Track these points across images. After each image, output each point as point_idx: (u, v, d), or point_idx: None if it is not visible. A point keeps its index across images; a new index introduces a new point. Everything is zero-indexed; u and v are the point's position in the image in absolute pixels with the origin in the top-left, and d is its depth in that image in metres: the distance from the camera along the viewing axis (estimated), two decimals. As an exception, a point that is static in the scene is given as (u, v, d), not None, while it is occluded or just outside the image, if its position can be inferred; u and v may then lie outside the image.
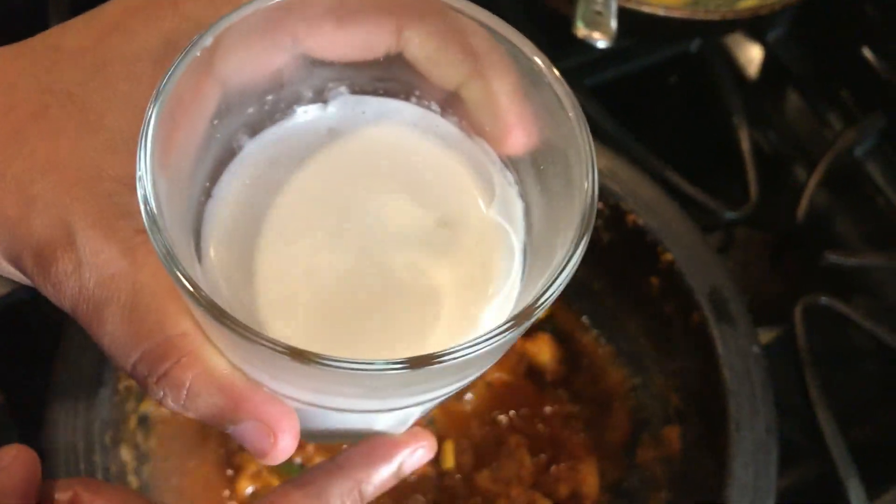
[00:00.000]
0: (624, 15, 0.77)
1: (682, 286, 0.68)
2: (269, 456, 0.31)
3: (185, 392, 0.30)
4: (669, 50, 0.99)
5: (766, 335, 0.86)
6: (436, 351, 0.27)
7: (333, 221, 0.33)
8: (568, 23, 0.75)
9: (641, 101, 1.04)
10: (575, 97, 0.31)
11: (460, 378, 0.32)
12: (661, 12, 0.81)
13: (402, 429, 0.39)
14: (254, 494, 0.66)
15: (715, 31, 0.96)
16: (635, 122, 0.93)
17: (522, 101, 0.32)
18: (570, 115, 0.31)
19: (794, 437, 0.80)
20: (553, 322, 0.77)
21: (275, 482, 0.66)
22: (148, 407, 0.67)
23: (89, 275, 0.31)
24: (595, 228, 0.74)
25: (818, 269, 0.89)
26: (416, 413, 0.37)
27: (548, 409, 0.72)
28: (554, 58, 0.96)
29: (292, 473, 0.67)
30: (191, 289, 0.27)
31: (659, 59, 0.99)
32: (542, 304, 0.30)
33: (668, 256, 0.69)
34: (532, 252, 0.34)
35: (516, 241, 0.34)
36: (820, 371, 0.79)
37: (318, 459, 0.67)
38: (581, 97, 0.92)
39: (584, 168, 0.30)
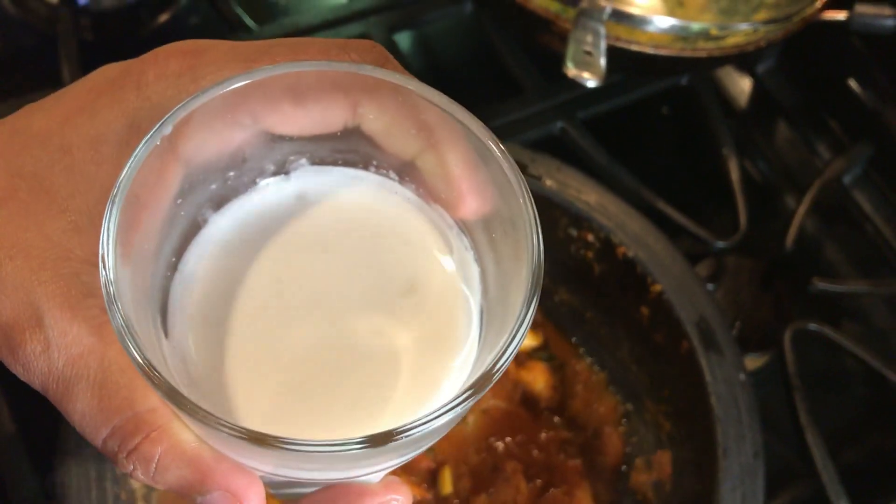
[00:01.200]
0: (613, 53, 0.80)
1: (671, 316, 0.71)
2: None
3: (154, 466, 0.31)
4: (660, 83, 1.02)
5: (756, 360, 0.88)
6: (394, 427, 0.28)
7: (298, 293, 0.34)
8: (560, 58, 0.78)
9: (633, 132, 1.07)
10: (518, 168, 0.32)
11: (422, 446, 0.33)
12: (649, 50, 0.84)
13: (374, 482, 0.38)
14: (258, 520, 0.68)
15: (703, 67, 1.00)
16: (627, 153, 0.96)
17: (473, 170, 0.34)
18: (514, 184, 0.32)
19: (784, 460, 0.82)
20: (547, 350, 0.79)
21: (278, 508, 0.68)
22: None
23: (58, 355, 0.32)
24: (587, 259, 0.77)
25: (807, 296, 0.91)
26: (387, 471, 0.38)
27: (543, 435, 0.74)
28: (547, 92, 0.99)
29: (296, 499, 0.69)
30: (147, 371, 0.28)
31: (650, 91, 1.02)
32: (500, 368, 0.30)
33: (657, 287, 0.72)
34: (488, 315, 0.35)
35: (474, 304, 0.35)
36: (809, 395, 0.81)
37: (320, 486, 0.69)
38: (574, 130, 0.95)
39: (530, 231, 0.31)
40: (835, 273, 0.99)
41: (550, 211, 0.76)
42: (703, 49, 0.86)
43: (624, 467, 0.74)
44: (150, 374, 0.28)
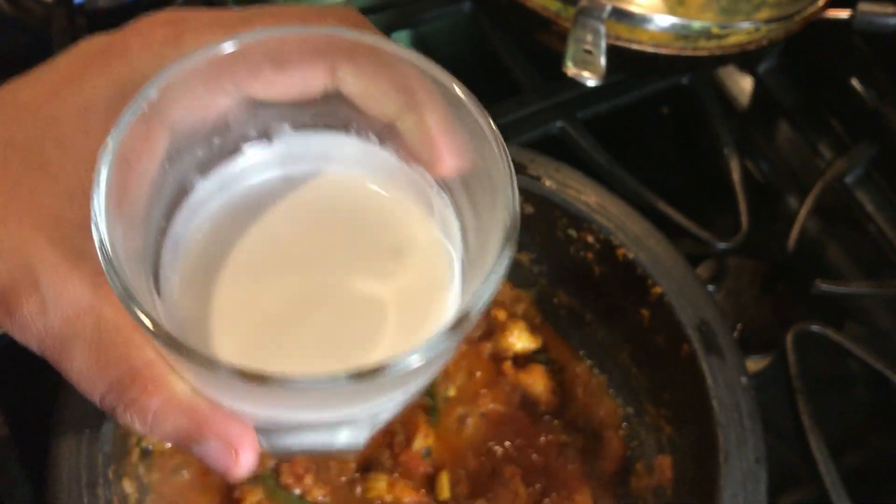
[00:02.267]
0: (614, 52, 0.79)
1: (671, 319, 0.70)
2: (231, 471, 0.34)
3: (150, 417, 0.33)
4: (661, 83, 1.01)
5: (757, 363, 0.87)
6: (380, 362, 0.29)
7: (284, 254, 0.36)
8: (560, 57, 0.77)
9: (633, 133, 1.06)
10: (493, 123, 0.34)
11: (407, 388, 0.34)
12: (650, 49, 0.83)
13: (361, 442, 0.40)
14: (253, 526, 0.67)
15: (704, 67, 0.99)
16: (627, 153, 0.95)
17: (451, 129, 0.35)
18: (491, 138, 0.33)
19: (786, 464, 0.81)
20: (546, 353, 0.78)
21: (274, 513, 0.68)
22: (149, 441, 0.69)
23: (54, 315, 0.33)
24: (586, 261, 0.76)
25: (809, 298, 0.90)
26: (373, 428, 0.40)
27: (542, 439, 0.74)
28: (547, 91, 0.98)
29: (291, 503, 0.68)
30: (148, 324, 0.29)
31: (650, 91, 1.01)
32: (478, 309, 0.31)
33: (658, 290, 0.71)
34: (470, 266, 0.36)
35: (456, 258, 0.37)
36: (812, 398, 0.80)
37: (315, 491, 0.69)
38: (573, 130, 0.94)
39: (506, 183, 0.33)
40: (837, 274, 0.98)
41: (550, 211, 0.75)
42: (704, 48, 0.85)
43: (624, 472, 0.73)
44: (149, 323, 0.29)
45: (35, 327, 0.34)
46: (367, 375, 0.29)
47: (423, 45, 1.14)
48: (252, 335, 0.34)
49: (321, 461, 0.70)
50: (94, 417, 0.61)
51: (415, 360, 0.30)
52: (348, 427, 0.38)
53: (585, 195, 0.74)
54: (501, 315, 0.78)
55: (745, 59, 1.00)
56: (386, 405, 0.35)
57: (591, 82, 0.75)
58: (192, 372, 0.32)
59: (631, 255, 0.72)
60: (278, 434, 0.37)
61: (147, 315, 0.29)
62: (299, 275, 0.35)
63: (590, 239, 0.74)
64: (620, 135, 1.02)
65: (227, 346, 0.34)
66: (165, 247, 0.35)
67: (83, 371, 0.33)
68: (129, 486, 0.64)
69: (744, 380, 0.68)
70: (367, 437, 0.41)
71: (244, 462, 0.34)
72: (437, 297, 0.36)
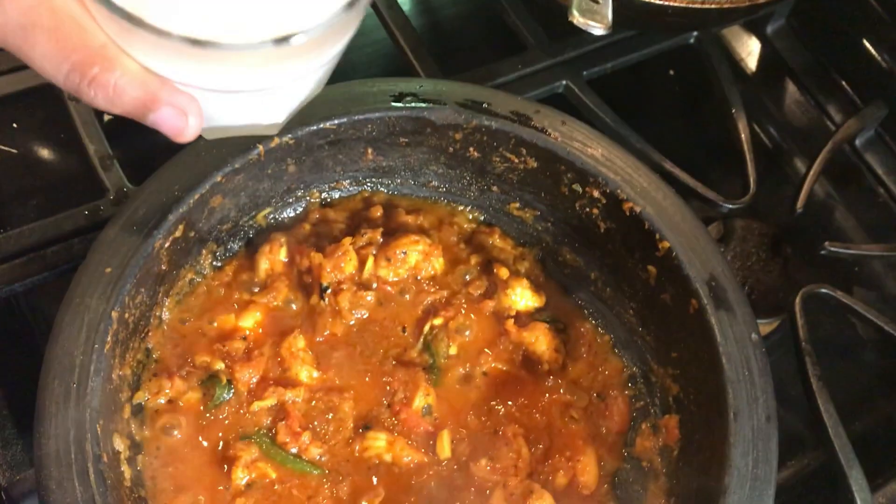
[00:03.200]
0: (621, 4, 0.76)
1: (679, 274, 0.68)
2: (182, 133, 0.41)
3: (111, 90, 0.39)
4: (667, 42, 0.99)
5: (765, 326, 0.85)
6: (297, 28, 0.36)
7: None
8: (565, 15, 0.75)
9: (640, 93, 1.03)
10: None
11: (318, 58, 0.41)
12: (657, 0, 0.81)
13: (282, 120, 0.48)
14: (248, 484, 0.65)
15: (712, 22, 0.96)
16: (634, 114, 0.92)
17: None
18: None
19: (792, 429, 0.79)
20: (550, 312, 0.76)
21: (270, 471, 0.66)
22: (142, 397, 0.67)
23: (10, 7, 0.38)
24: (592, 217, 0.73)
25: (818, 260, 0.88)
26: (291, 105, 0.46)
27: (545, 398, 0.72)
28: (552, 50, 0.95)
29: (287, 462, 0.66)
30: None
31: (657, 51, 0.98)
32: None
33: (666, 245, 0.69)
34: None
35: None
36: (820, 362, 0.79)
37: (312, 449, 0.67)
38: (579, 89, 0.92)
39: None
40: (846, 238, 0.95)
41: (554, 165, 0.72)
42: (714, 1, 0.83)
43: (629, 432, 0.71)
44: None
45: None
46: (286, 39, 0.37)
47: (426, 4, 1.11)
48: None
49: (319, 417, 0.68)
50: (82, 373, 0.59)
51: (320, 29, 0.37)
52: (271, 97, 0.44)
53: (592, 148, 0.71)
54: (504, 273, 0.76)
55: (754, 14, 0.97)
56: (303, 74, 0.42)
57: (598, 31, 0.72)
58: (142, 45, 0.38)
59: (638, 210, 0.69)
60: (214, 105, 0.43)
61: None
62: None
63: (596, 193, 0.72)
64: (626, 96, 1.00)
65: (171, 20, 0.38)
66: None
67: (46, 55, 0.39)
68: (119, 443, 0.62)
69: (754, 336, 0.66)
70: (287, 114, 0.48)
71: (192, 124, 0.40)
72: None
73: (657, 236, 0.69)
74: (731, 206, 0.88)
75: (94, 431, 0.58)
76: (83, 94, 0.39)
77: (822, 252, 0.87)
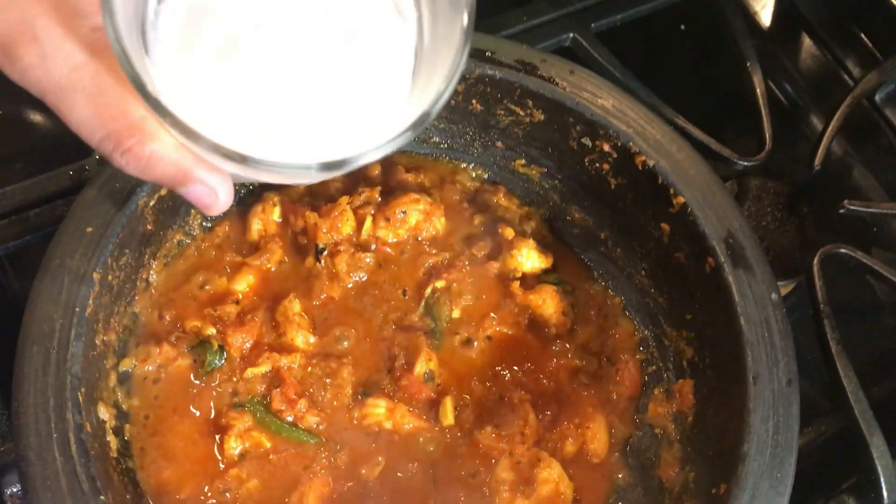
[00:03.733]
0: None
1: (695, 231, 0.64)
2: (212, 209, 0.41)
3: (144, 162, 0.39)
4: (678, -7, 0.94)
5: (782, 288, 0.82)
6: (346, 157, 0.36)
7: (258, 25, 0.39)
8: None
9: (651, 47, 0.99)
10: None
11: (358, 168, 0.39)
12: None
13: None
14: (242, 454, 0.62)
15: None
16: (644, 69, 0.88)
17: None
18: None
19: (810, 395, 0.76)
20: (558, 273, 0.73)
21: (265, 440, 0.63)
22: (129, 364, 0.64)
23: (54, 67, 0.38)
24: (602, 173, 0.70)
25: (835, 220, 0.85)
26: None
27: (553, 363, 0.69)
28: (558, 1, 0.90)
29: (282, 430, 0.63)
30: (138, 82, 0.33)
31: (667, 3, 0.94)
32: (436, 109, 0.37)
33: (681, 200, 0.65)
34: (424, 62, 0.40)
35: (410, 48, 0.41)
36: (839, 325, 0.75)
37: (309, 417, 0.64)
38: (586, 42, 0.88)
39: None
40: (864, 197, 0.92)
41: (562, 117, 0.68)
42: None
43: (641, 398, 0.68)
44: (141, 86, 0.33)
45: (35, 76, 0.38)
46: (334, 166, 0.36)
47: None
48: (229, 106, 0.39)
49: (315, 384, 0.65)
50: (62, 338, 0.56)
51: (375, 155, 0.37)
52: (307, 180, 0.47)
53: (602, 99, 0.67)
54: (509, 233, 0.72)
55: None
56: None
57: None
58: (177, 136, 0.37)
59: (651, 163, 0.66)
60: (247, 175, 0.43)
61: (138, 77, 0.33)
62: (270, 49, 0.39)
63: (606, 147, 0.68)
64: (636, 50, 0.95)
65: (210, 114, 0.38)
66: (161, 14, 0.38)
67: (83, 120, 0.38)
68: (105, 412, 0.59)
69: (774, 296, 0.62)
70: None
71: (223, 200, 0.41)
72: (391, 86, 0.40)
73: (671, 191, 0.65)
74: (745, 163, 0.84)
75: (75, 399, 0.54)
76: (114, 161, 0.39)
77: (841, 211, 0.83)
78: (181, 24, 0.39)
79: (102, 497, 0.51)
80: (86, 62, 0.38)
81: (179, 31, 0.39)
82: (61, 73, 0.38)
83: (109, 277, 0.60)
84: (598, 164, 0.69)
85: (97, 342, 0.59)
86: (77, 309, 0.56)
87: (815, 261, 0.78)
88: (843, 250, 0.79)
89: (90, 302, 0.57)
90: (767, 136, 0.86)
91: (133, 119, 0.38)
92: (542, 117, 0.69)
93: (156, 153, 0.38)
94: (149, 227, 0.64)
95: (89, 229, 0.59)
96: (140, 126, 0.38)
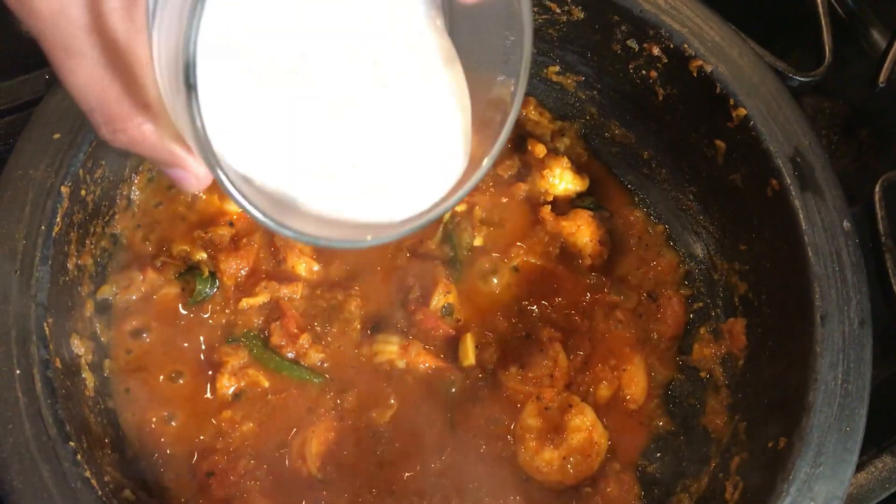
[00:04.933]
0: None
1: (757, 149, 0.56)
2: (188, 189, 0.40)
3: (136, 145, 0.37)
4: None
5: (838, 219, 0.75)
6: (401, 231, 0.36)
7: (311, 57, 0.37)
8: None
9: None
10: None
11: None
12: None
13: None
14: (237, 393, 0.56)
15: None
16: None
17: None
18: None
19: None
20: (594, 197, 0.65)
21: (262, 379, 0.56)
22: (108, 292, 0.56)
23: (66, 23, 0.35)
24: (649, 81, 0.61)
25: (899, 144, 0.77)
26: None
27: (586, 298, 0.61)
28: None
29: (282, 368, 0.56)
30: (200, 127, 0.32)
31: None
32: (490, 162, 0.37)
33: (742, 112, 0.56)
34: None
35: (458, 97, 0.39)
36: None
37: (312, 354, 0.57)
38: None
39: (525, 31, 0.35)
40: (930, 120, 0.84)
41: (605, 15, 0.59)
42: None
43: (685, 338, 0.61)
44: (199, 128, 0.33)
45: (45, 26, 0.35)
46: (387, 236, 0.37)
47: None
48: (273, 144, 0.37)
49: (320, 317, 0.58)
50: (25, 261, 0.48)
51: (428, 220, 0.37)
52: None
53: (652, -7, 0.58)
54: (540, 151, 0.64)
55: None
56: None
57: None
58: (260, 219, 0.35)
59: (708, 69, 0.57)
60: None
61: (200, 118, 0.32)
62: (323, 87, 0.37)
63: (656, 51, 0.59)
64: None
65: (248, 150, 0.37)
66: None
67: (83, 87, 0.36)
68: (79, 346, 0.52)
69: (846, 224, 0.55)
70: None
71: (200, 187, 0.39)
72: (444, 134, 0.39)
73: (731, 102, 0.57)
74: (802, 78, 0.75)
75: (41, 331, 0.47)
76: (100, 133, 0.38)
77: (907, 133, 0.75)
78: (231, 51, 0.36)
79: (72, 443, 0.45)
80: (100, 27, 0.35)
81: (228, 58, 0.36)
82: (70, 33, 0.35)
83: (82, 192, 0.52)
84: (644, 71, 0.61)
85: (69, 266, 0.52)
86: (43, 227, 0.49)
87: (877, 188, 0.70)
88: (909, 177, 0.72)
89: (58, 220, 0.50)
90: (827, 49, 0.76)
91: (136, 104, 0.37)
92: (581, 15, 0.61)
93: (149, 138, 0.37)
94: (129, 136, 0.56)
95: (56, 136, 0.51)
96: (142, 113, 0.37)
